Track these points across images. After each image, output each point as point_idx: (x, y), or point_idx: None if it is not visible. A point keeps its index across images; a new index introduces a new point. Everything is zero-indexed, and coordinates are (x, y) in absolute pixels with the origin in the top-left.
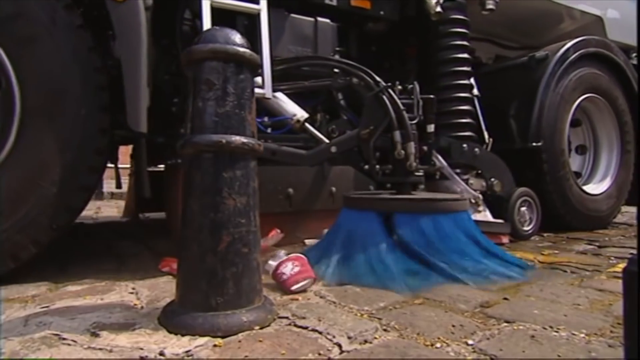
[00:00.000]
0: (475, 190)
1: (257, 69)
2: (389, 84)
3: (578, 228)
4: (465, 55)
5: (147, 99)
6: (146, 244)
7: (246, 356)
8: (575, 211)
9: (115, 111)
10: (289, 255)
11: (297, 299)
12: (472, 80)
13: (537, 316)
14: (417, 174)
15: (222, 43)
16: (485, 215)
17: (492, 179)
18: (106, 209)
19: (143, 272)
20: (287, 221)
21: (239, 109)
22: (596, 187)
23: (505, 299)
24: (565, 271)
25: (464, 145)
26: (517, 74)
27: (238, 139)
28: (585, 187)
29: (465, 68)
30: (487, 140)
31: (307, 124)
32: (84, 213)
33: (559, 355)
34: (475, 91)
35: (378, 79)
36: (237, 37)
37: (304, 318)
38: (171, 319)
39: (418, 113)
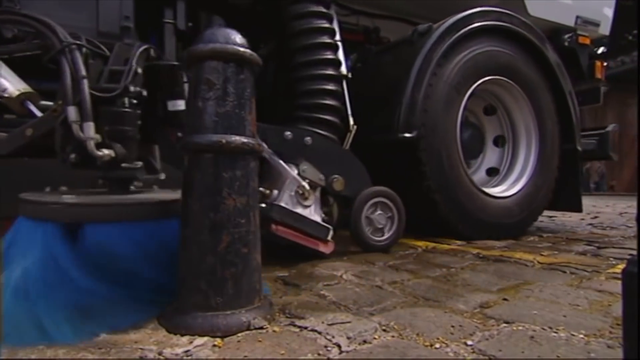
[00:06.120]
0: (305, 179)
1: (257, 69)
2: (77, 42)
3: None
4: (323, 24)
5: None
6: None
7: (245, 356)
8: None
9: None
10: None
11: (296, 299)
12: (339, 56)
13: (536, 317)
14: (127, 165)
15: (223, 43)
16: (310, 212)
17: (334, 176)
18: None
19: None
20: None
21: (239, 109)
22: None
23: (505, 299)
24: (565, 272)
25: (287, 133)
26: (403, 52)
27: (238, 139)
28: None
29: (322, 40)
30: (351, 128)
31: (29, 103)
32: None
33: (558, 356)
34: (344, 70)
35: (65, 36)
36: (238, 37)
37: (303, 318)
38: (170, 319)
39: (126, 82)
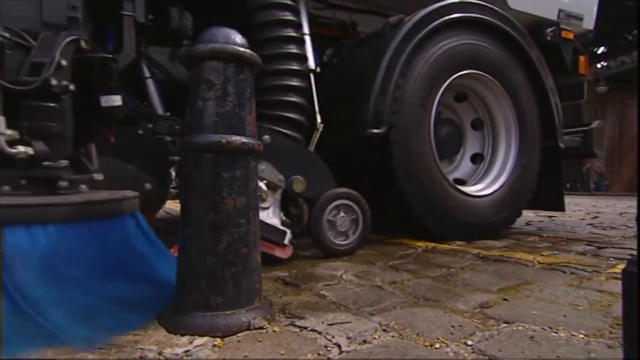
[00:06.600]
0: (263, 180)
1: (257, 69)
2: None
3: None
4: (286, 16)
5: None
6: None
7: (245, 356)
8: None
9: None
10: None
11: (296, 299)
12: (305, 50)
13: (536, 317)
14: (49, 163)
15: (223, 43)
16: (268, 215)
17: (295, 177)
18: None
19: None
20: None
21: (239, 109)
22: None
23: (505, 299)
24: (565, 272)
25: None
26: (375, 45)
27: (238, 139)
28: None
29: (286, 33)
30: (317, 126)
31: None
32: None
33: (558, 356)
34: (312, 64)
35: None
36: (238, 37)
37: (303, 318)
38: (170, 319)
39: (47, 75)
